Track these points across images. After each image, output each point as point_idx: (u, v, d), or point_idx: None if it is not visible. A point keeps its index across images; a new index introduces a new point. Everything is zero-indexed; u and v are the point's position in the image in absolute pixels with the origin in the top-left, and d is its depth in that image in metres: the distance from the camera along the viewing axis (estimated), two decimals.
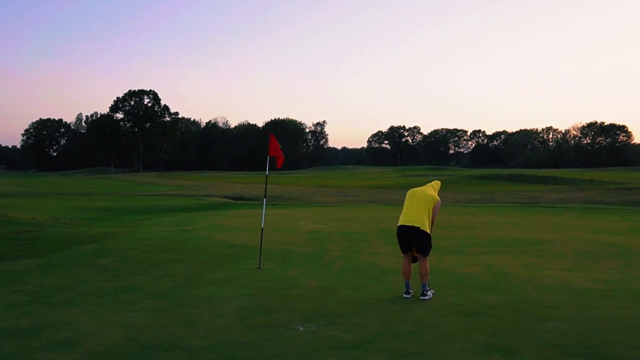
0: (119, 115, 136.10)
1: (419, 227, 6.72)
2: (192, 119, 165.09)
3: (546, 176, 53.77)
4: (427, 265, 6.82)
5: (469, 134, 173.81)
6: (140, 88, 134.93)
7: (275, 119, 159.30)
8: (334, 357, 4.58)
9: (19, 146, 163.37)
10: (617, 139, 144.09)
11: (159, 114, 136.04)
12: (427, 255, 6.87)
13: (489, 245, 11.86)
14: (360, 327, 5.48)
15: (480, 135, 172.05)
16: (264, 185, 11.18)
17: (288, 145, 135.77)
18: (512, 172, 69.28)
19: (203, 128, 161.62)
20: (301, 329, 5.42)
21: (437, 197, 7.04)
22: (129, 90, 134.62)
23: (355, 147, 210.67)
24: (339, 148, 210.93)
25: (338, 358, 4.57)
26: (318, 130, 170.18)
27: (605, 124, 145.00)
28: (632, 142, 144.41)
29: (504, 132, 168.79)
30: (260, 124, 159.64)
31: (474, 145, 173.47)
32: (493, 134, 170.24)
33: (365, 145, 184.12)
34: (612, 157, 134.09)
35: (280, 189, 44.72)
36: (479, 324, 5.55)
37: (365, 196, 37.29)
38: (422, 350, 4.72)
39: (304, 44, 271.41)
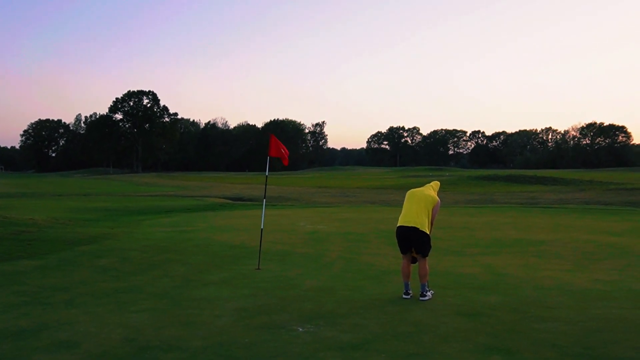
0: (118, 116, 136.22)
1: (418, 228, 6.72)
2: (191, 120, 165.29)
3: (545, 177, 53.81)
4: (427, 266, 6.82)
5: (468, 134, 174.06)
6: (140, 89, 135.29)
7: (274, 119, 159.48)
8: (333, 357, 4.58)
9: (17, 147, 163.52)
10: (617, 139, 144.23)
11: (158, 114, 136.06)
12: (427, 256, 6.87)
13: (489, 246, 11.86)
14: (359, 327, 5.47)
15: (480, 135, 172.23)
16: (264, 186, 11.16)
17: (287, 145, 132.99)
18: (511, 172, 69.33)
19: (202, 129, 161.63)
20: (300, 329, 5.41)
21: (437, 197, 7.04)
22: (128, 91, 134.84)
23: (354, 147, 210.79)
24: (339, 149, 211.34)
25: (337, 359, 4.56)
26: (317, 131, 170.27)
27: (605, 124, 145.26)
28: (632, 142, 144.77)
29: (503, 132, 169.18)
30: (259, 125, 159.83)
31: (473, 145, 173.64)
32: (492, 134, 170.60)
33: (364, 145, 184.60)
34: (612, 157, 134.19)
35: (279, 190, 44.71)
36: (479, 324, 5.54)
37: (365, 197, 37.29)
38: (421, 351, 4.72)
39: (303, 45, 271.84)
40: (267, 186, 10.95)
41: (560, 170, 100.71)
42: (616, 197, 32.77)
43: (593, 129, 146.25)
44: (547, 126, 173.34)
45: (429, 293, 6.76)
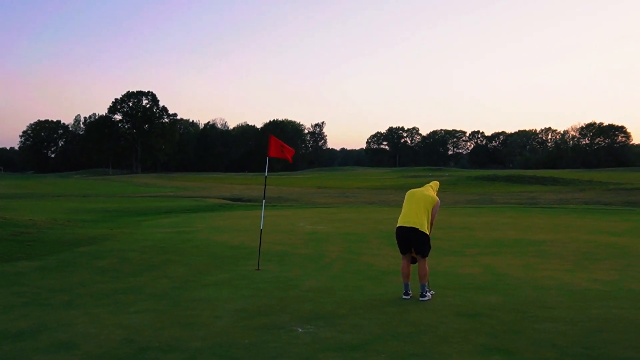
0: (118, 117, 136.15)
1: (417, 229, 6.72)
2: (190, 120, 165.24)
3: (545, 177, 53.79)
4: (427, 266, 6.82)
5: (467, 134, 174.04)
6: (139, 89, 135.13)
7: (273, 120, 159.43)
8: (333, 358, 4.58)
9: (17, 148, 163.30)
10: (616, 139, 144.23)
11: (158, 115, 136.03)
12: (426, 256, 6.87)
13: (488, 246, 11.86)
14: (359, 328, 5.47)
15: (479, 136, 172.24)
16: (263, 187, 11.17)
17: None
18: (511, 173, 69.29)
19: (201, 129, 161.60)
20: (300, 330, 5.41)
21: (436, 197, 7.03)
22: (128, 92, 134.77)
23: (354, 148, 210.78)
24: (338, 149, 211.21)
25: (337, 359, 4.56)
26: (317, 132, 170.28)
27: (604, 124, 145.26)
28: (631, 142, 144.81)
29: (503, 132, 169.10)
30: (258, 125, 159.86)
31: (472, 146, 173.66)
32: (492, 134, 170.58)
33: (364, 146, 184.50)
34: (611, 157, 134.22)
35: (279, 190, 44.71)
36: (478, 324, 5.54)
37: (364, 197, 37.29)
38: (421, 352, 4.71)
39: (303, 45, 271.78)
40: (266, 187, 10.96)
41: (560, 170, 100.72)
42: (616, 197, 32.79)
43: (592, 129, 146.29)
44: (547, 126, 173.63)
45: (428, 294, 6.76)
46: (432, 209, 6.93)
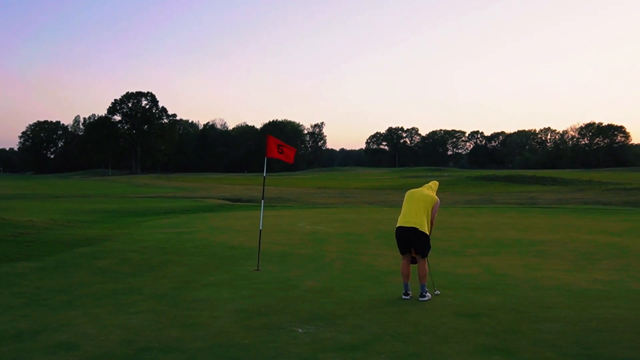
0: (117, 118, 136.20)
1: (417, 229, 6.72)
2: (190, 121, 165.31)
3: (544, 177, 53.84)
4: (426, 267, 6.82)
5: (467, 135, 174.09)
6: (138, 90, 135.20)
7: (273, 120, 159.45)
8: (332, 358, 4.57)
9: (16, 149, 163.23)
10: (615, 139, 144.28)
11: (157, 115, 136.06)
12: (426, 256, 6.87)
13: (488, 246, 11.86)
14: (359, 328, 5.47)
15: (479, 136, 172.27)
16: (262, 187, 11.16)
17: None
18: (510, 173, 69.26)
19: (201, 130, 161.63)
20: (300, 330, 5.41)
21: (436, 197, 7.04)
22: (127, 92, 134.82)
23: (353, 148, 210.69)
24: (337, 149, 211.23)
25: (337, 359, 4.56)
26: (316, 132, 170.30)
27: (603, 124, 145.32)
28: (630, 142, 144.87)
29: (502, 133, 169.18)
30: (258, 126, 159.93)
31: (472, 146, 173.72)
32: (491, 135, 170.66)
33: (363, 146, 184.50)
34: (610, 157, 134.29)
35: (278, 191, 44.71)
36: (478, 325, 5.54)
37: (364, 197, 37.30)
38: (421, 352, 4.71)
39: (302, 45, 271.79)
40: (265, 187, 10.95)
41: (559, 170, 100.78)
42: (615, 197, 32.81)
43: (592, 129, 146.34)
44: (546, 126, 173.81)
45: (428, 294, 6.76)
46: (432, 209, 6.93)
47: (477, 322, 5.65)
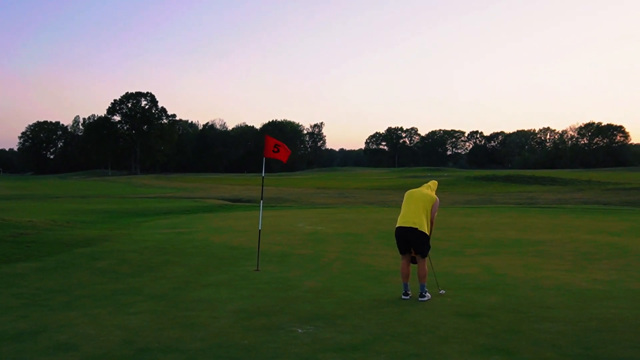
0: (117, 118, 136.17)
1: (417, 229, 6.72)
2: (189, 121, 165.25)
3: (544, 177, 53.84)
4: (426, 267, 6.82)
5: (466, 135, 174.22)
6: (138, 90, 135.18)
7: (272, 120, 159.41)
8: (332, 358, 4.57)
9: (16, 149, 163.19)
10: (615, 139, 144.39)
11: (157, 116, 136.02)
12: (426, 256, 6.87)
13: (488, 246, 11.86)
14: (358, 328, 5.47)
15: (478, 136, 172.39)
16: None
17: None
18: (509, 173, 69.32)
19: (200, 130, 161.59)
20: (300, 330, 5.40)
21: (435, 196, 7.03)
22: (126, 93, 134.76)
23: (353, 148, 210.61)
24: (337, 150, 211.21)
25: None
26: (316, 132, 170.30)
27: (603, 124, 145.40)
28: (629, 142, 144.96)
29: (502, 133, 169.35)
30: (257, 126, 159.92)
31: (471, 146, 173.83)
32: (490, 134, 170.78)
33: (363, 146, 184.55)
34: (610, 157, 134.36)
35: (278, 191, 44.71)
36: (478, 325, 5.54)
37: (363, 197, 37.30)
38: (420, 352, 4.71)
39: (301, 45, 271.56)
40: (264, 187, 10.94)
41: (559, 170, 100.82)
42: (614, 196, 32.83)
43: (591, 129, 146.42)
44: (545, 126, 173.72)
45: (428, 294, 6.76)
46: (432, 208, 6.93)
47: (477, 322, 5.65)
